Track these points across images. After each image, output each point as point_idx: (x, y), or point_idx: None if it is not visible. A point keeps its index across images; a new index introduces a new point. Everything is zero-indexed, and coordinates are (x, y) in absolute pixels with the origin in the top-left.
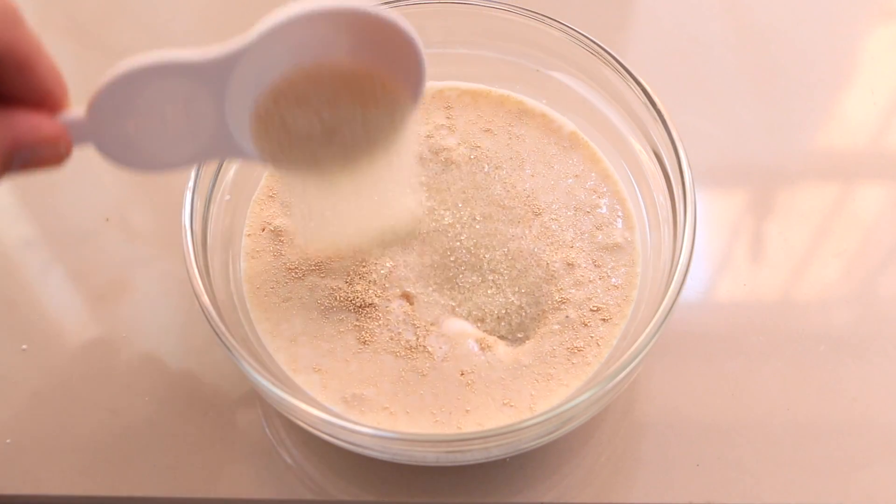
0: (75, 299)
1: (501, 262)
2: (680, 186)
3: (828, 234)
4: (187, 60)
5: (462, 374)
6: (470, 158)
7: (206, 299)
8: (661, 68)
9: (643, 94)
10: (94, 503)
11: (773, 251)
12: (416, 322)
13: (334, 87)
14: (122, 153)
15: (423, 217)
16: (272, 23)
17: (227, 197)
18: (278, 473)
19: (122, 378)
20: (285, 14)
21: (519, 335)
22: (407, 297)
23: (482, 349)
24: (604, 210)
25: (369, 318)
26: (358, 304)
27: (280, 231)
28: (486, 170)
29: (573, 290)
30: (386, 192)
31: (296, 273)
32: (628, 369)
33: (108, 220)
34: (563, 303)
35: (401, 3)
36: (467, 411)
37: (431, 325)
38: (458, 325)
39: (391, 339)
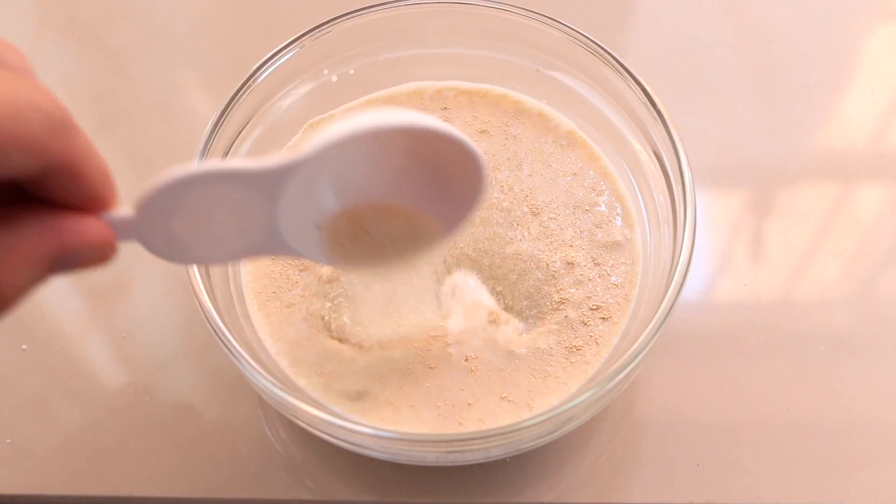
0: (75, 299)
1: (500, 268)
2: (680, 186)
3: (828, 234)
4: (242, 169)
5: (466, 360)
6: None
7: (205, 299)
8: (661, 68)
9: (643, 94)
10: (94, 503)
11: (773, 251)
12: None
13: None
14: (168, 250)
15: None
16: (330, 138)
17: None
18: (278, 473)
19: (122, 378)
20: (343, 131)
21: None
22: None
23: (491, 322)
24: (603, 208)
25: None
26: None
27: None
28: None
29: (573, 290)
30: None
31: (296, 276)
32: (628, 369)
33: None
34: (563, 302)
35: (401, 2)
36: (469, 404)
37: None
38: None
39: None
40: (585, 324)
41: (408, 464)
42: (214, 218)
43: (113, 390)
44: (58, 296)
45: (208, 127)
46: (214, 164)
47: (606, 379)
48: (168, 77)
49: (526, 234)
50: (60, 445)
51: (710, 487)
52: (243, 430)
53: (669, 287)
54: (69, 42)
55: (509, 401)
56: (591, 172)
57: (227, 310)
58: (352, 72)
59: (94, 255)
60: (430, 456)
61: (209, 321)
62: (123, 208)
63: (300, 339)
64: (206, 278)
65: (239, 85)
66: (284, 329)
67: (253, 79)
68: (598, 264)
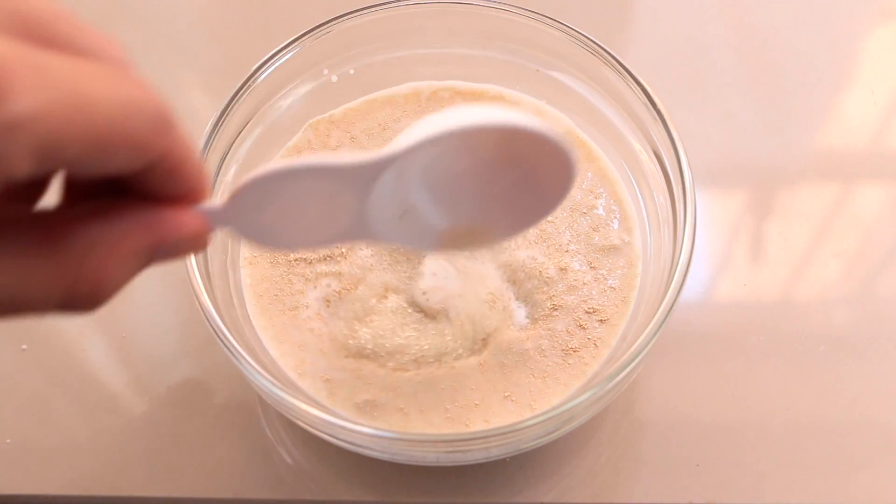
0: None
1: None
2: (680, 186)
3: (828, 234)
4: (334, 165)
5: (479, 364)
6: None
7: (205, 299)
8: (662, 68)
9: (643, 94)
10: (94, 503)
11: (773, 251)
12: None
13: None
14: (255, 236)
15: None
16: (421, 135)
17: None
18: (278, 473)
19: (122, 378)
20: (433, 128)
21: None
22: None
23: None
24: (601, 211)
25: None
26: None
27: None
28: None
29: (569, 294)
30: None
31: (300, 285)
32: (628, 369)
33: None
34: (560, 307)
35: (401, 3)
36: (476, 405)
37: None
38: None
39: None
40: (583, 327)
41: (407, 464)
42: (304, 209)
43: (113, 390)
44: None
45: (208, 127)
46: (308, 159)
47: (606, 379)
48: (168, 77)
49: (523, 238)
50: (60, 445)
51: (710, 487)
52: (243, 430)
53: (669, 287)
54: None
55: (512, 400)
56: (590, 174)
57: (228, 310)
58: (352, 72)
59: (189, 246)
60: (430, 456)
61: (209, 321)
62: (216, 200)
63: (305, 343)
64: (206, 278)
65: (239, 85)
66: (289, 332)
67: (253, 79)
68: (594, 268)
